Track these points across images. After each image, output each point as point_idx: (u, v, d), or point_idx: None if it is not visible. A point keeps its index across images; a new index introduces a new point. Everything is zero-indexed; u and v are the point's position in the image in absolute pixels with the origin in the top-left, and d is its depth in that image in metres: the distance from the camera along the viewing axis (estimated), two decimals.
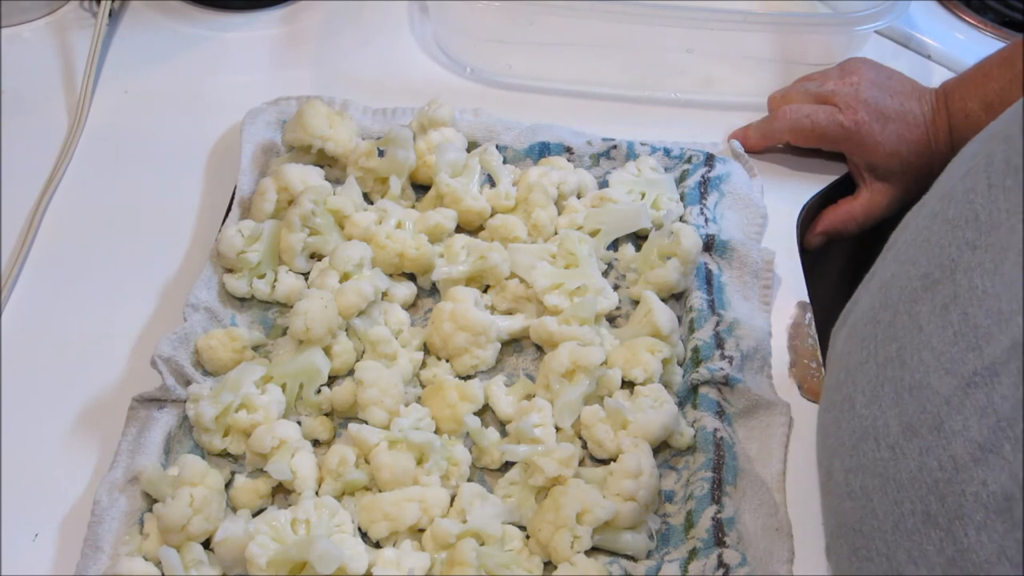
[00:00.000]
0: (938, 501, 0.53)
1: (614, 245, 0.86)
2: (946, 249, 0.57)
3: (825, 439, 0.66)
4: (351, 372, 0.76)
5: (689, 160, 0.91)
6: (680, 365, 0.78)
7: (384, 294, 0.80)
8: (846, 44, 1.00)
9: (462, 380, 0.76)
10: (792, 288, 0.85)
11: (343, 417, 0.75)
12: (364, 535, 0.69)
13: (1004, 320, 0.51)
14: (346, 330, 0.77)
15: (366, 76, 1.02)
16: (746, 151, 0.93)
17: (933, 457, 0.53)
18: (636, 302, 0.82)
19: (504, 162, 0.89)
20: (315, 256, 0.83)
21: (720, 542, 0.68)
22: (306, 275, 0.82)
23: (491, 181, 0.88)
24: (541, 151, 0.91)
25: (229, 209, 0.86)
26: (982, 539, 0.51)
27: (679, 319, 0.80)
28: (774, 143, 0.94)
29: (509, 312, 0.82)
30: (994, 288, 0.52)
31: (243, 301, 0.82)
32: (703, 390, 0.75)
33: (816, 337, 0.82)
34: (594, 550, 0.68)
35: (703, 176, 0.89)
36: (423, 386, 0.77)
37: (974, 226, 0.55)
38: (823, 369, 0.79)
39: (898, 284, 0.61)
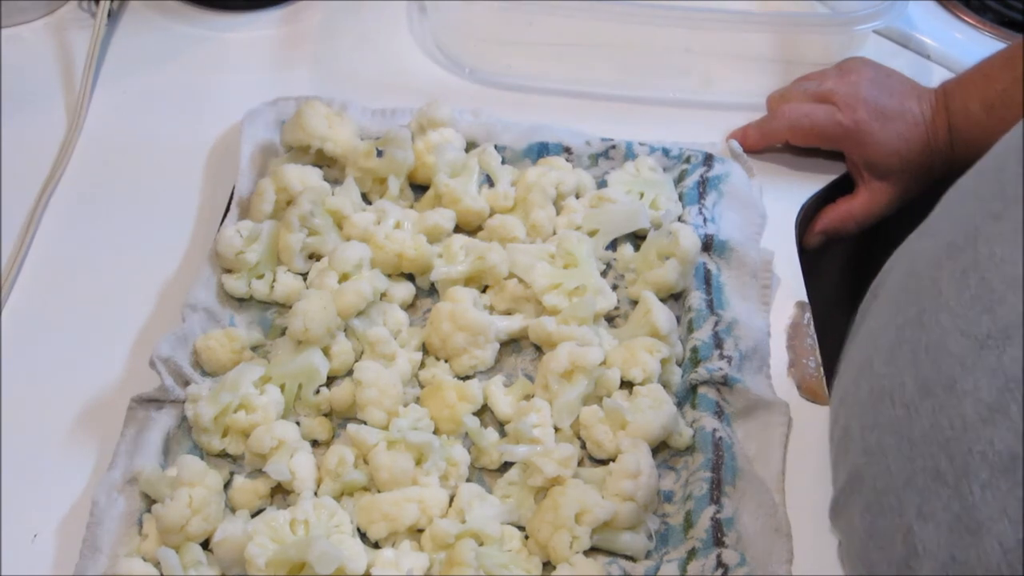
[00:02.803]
0: (947, 459, 0.55)
1: (613, 245, 0.86)
2: (971, 219, 0.59)
3: (844, 398, 0.68)
4: (350, 372, 0.76)
5: (688, 160, 0.91)
6: (679, 365, 0.78)
7: (383, 294, 0.80)
8: (845, 44, 1.00)
9: (461, 380, 0.76)
10: (791, 288, 0.85)
11: (342, 417, 0.75)
12: (363, 535, 0.69)
13: (1019, 286, 0.53)
14: (345, 330, 0.77)
15: (365, 76, 1.02)
16: (745, 151, 0.93)
17: (945, 416, 0.55)
18: (635, 302, 0.81)
19: (503, 162, 0.89)
20: (314, 256, 0.83)
21: (719, 542, 0.68)
22: (305, 275, 0.82)
23: (490, 181, 0.88)
24: (540, 151, 0.91)
25: (228, 209, 0.86)
26: (986, 497, 0.52)
27: (678, 319, 0.80)
28: (773, 143, 0.94)
29: (508, 312, 0.82)
30: (1012, 256, 0.54)
31: (242, 301, 0.82)
32: (702, 390, 0.75)
33: (815, 337, 0.82)
34: (593, 550, 0.68)
35: (702, 176, 0.89)
36: (422, 386, 0.77)
37: (1000, 199, 0.57)
38: (822, 369, 0.79)
39: (925, 253, 0.63)
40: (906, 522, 0.57)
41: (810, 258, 0.90)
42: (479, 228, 0.86)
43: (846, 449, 0.66)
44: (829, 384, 0.79)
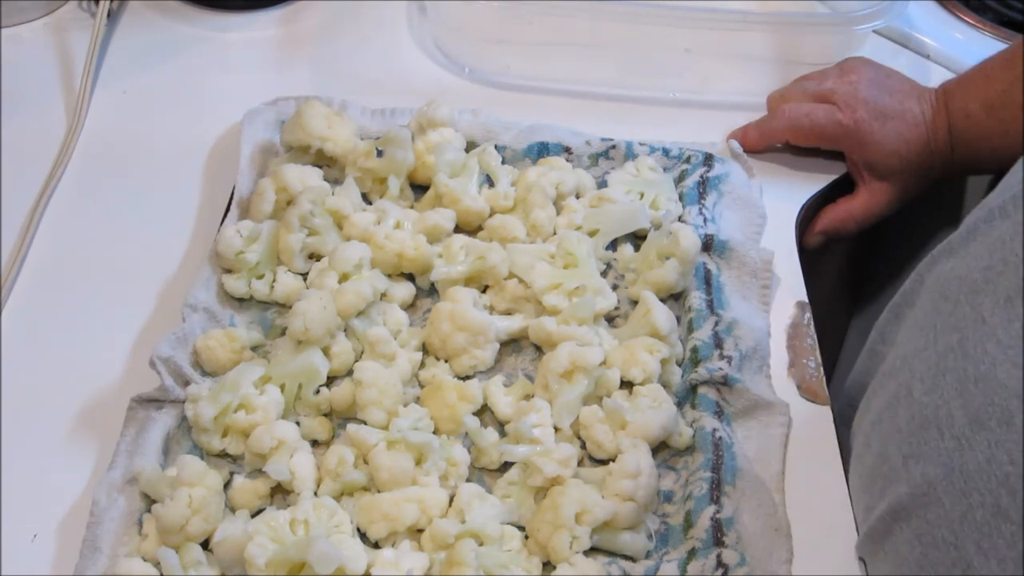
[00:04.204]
0: (1009, 495, 0.53)
1: (613, 245, 0.86)
2: (1008, 244, 0.58)
3: (877, 423, 0.67)
4: (350, 372, 0.76)
5: (688, 160, 0.91)
6: (679, 365, 0.78)
7: (383, 294, 0.80)
8: (845, 44, 1.00)
9: (461, 380, 0.76)
10: (791, 288, 0.85)
11: (342, 417, 0.75)
12: (363, 535, 0.69)
13: None
14: (345, 330, 0.77)
15: (365, 76, 1.02)
16: (745, 151, 0.93)
17: (1003, 451, 0.54)
18: (635, 302, 0.81)
19: (503, 162, 0.89)
20: (314, 256, 0.83)
21: (719, 542, 0.68)
22: (305, 275, 0.82)
23: (490, 181, 0.88)
24: (540, 151, 0.91)
25: (228, 209, 0.86)
26: None
27: (678, 319, 0.80)
28: (773, 142, 0.94)
29: (508, 312, 0.82)
30: None
31: (242, 301, 0.82)
32: (702, 390, 0.75)
33: (815, 337, 0.82)
34: (593, 550, 0.68)
35: (702, 176, 0.89)
36: (422, 386, 0.77)
37: None
38: (822, 369, 0.79)
39: (958, 276, 0.62)
40: (965, 557, 0.56)
41: (810, 258, 0.90)
42: (479, 228, 0.86)
43: (885, 476, 0.65)
44: (829, 384, 0.79)
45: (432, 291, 0.83)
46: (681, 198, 0.88)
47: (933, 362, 0.61)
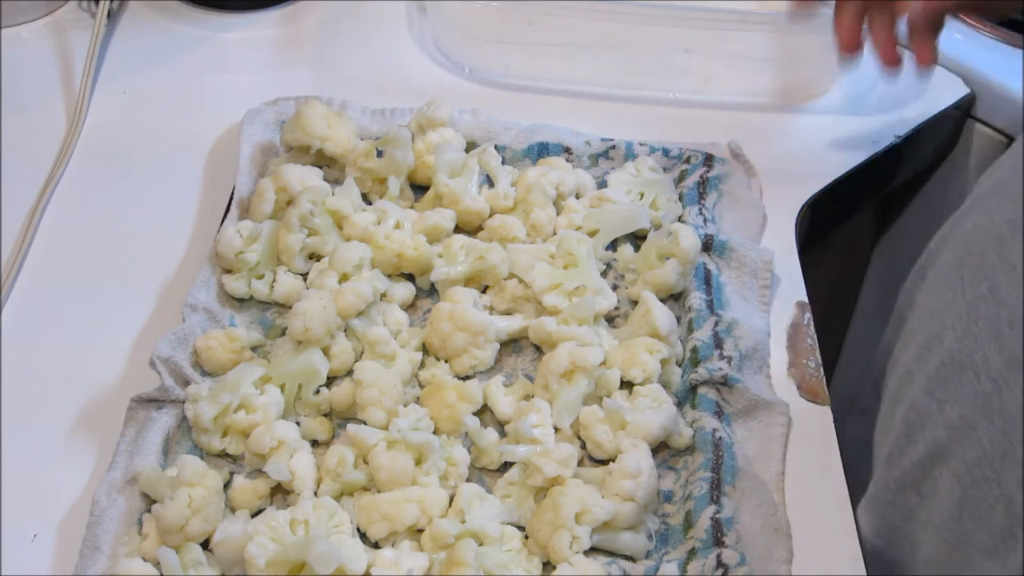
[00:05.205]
0: None
1: (613, 245, 0.86)
2: None
3: (905, 376, 0.70)
4: (350, 372, 0.76)
5: (688, 160, 0.91)
6: (679, 365, 0.78)
7: (383, 294, 0.80)
8: None
9: (461, 380, 0.76)
10: (791, 288, 0.85)
11: (342, 417, 0.75)
12: (363, 535, 0.69)
13: None
14: (345, 331, 0.77)
15: (364, 76, 1.02)
16: (928, 66, 0.84)
17: None
18: (635, 302, 0.81)
19: (503, 162, 0.89)
20: (314, 256, 0.83)
21: (719, 542, 0.68)
22: (305, 276, 0.82)
23: (490, 181, 0.88)
24: (540, 151, 0.91)
25: (228, 210, 0.86)
26: None
27: (678, 319, 0.80)
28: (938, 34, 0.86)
29: (508, 312, 0.82)
30: None
31: (242, 302, 0.82)
32: (702, 390, 0.75)
33: (815, 337, 0.82)
34: (593, 550, 0.68)
35: (702, 176, 0.89)
36: (422, 386, 0.77)
37: None
38: (822, 369, 0.80)
39: (982, 229, 0.64)
40: (1007, 493, 0.58)
41: (810, 258, 0.90)
42: (479, 228, 0.86)
43: (918, 424, 0.67)
44: (829, 384, 0.79)
45: (432, 291, 0.83)
46: (681, 198, 0.88)
47: (963, 311, 0.63)
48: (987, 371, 0.60)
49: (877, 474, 0.72)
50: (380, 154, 0.87)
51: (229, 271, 0.82)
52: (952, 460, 0.63)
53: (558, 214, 0.86)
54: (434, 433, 0.72)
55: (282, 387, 0.74)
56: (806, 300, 0.84)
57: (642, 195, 0.87)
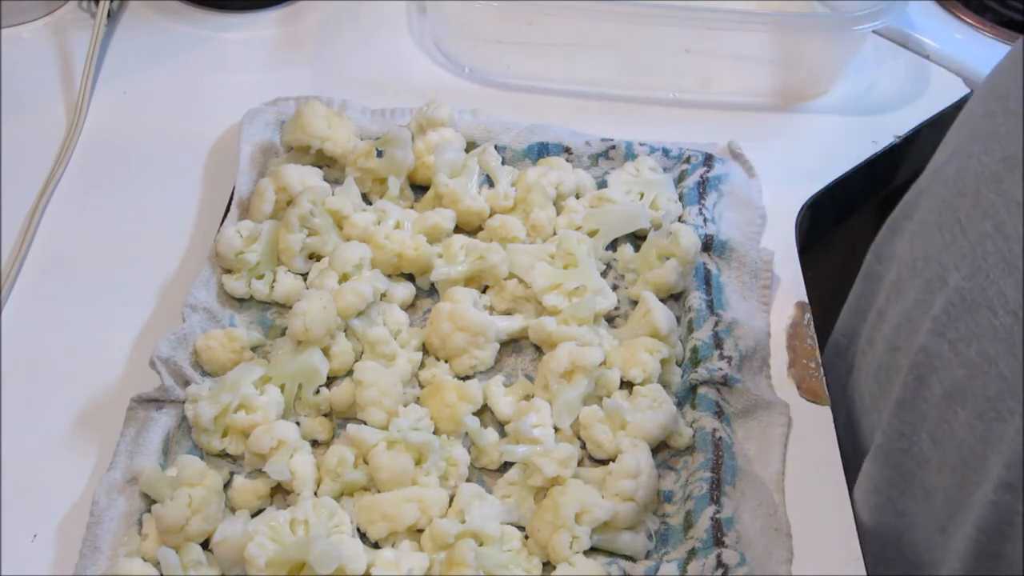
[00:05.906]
0: None
1: (613, 245, 0.86)
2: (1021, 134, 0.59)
3: (903, 325, 0.69)
4: (350, 372, 0.76)
5: (688, 160, 0.91)
6: (679, 365, 0.78)
7: (383, 294, 0.80)
8: (844, 44, 1.00)
9: (461, 380, 0.76)
10: (791, 288, 0.85)
11: (342, 417, 0.75)
12: (363, 535, 0.69)
13: None
14: (345, 331, 0.77)
15: (364, 76, 1.02)
16: None
17: None
18: (635, 302, 0.81)
19: (503, 162, 0.89)
20: (314, 257, 0.83)
21: (719, 542, 0.68)
22: (305, 276, 0.82)
23: (490, 181, 0.88)
24: (540, 151, 0.91)
25: (228, 209, 0.86)
26: None
27: (678, 319, 0.80)
28: None
29: (508, 312, 0.82)
30: None
31: (242, 302, 0.82)
32: (702, 390, 0.75)
33: (815, 337, 0.82)
34: (593, 550, 0.68)
35: (702, 176, 0.89)
36: (422, 386, 0.77)
37: None
38: (822, 369, 0.79)
39: (972, 173, 0.64)
40: None
41: (810, 258, 0.90)
42: (479, 228, 0.86)
43: (932, 368, 0.67)
44: (829, 383, 0.79)
45: (432, 291, 0.83)
46: (681, 198, 0.88)
47: (967, 250, 0.63)
48: (1004, 305, 0.60)
49: (886, 422, 0.72)
50: (380, 154, 0.87)
51: (229, 271, 0.82)
52: (969, 399, 0.63)
53: (558, 214, 0.86)
54: (434, 433, 0.73)
55: (282, 387, 0.74)
56: (806, 300, 0.84)
57: (642, 195, 0.87)
